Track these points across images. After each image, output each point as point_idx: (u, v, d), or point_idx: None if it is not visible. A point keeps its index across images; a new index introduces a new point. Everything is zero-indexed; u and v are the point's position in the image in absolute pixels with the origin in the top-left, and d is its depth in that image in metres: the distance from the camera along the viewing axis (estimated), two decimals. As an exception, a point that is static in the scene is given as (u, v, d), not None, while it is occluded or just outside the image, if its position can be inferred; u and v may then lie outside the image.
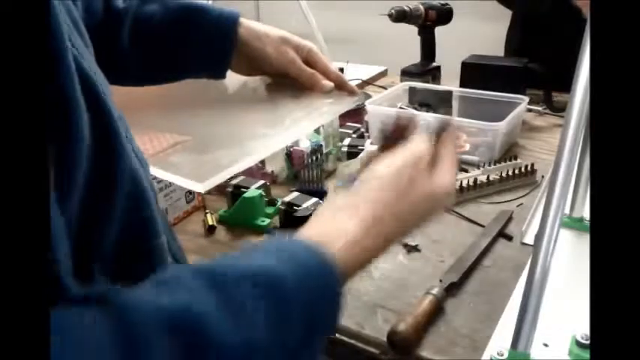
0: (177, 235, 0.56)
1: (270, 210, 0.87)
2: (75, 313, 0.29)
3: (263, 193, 0.87)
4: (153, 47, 0.68)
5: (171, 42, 0.67)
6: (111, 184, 0.38)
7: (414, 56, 1.40)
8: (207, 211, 0.88)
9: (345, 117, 1.12)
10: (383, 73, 1.62)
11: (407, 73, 1.35)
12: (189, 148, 0.58)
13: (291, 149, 0.96)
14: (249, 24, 0.68)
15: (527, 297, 0.49)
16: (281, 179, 0.99)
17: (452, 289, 0.69)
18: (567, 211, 0.79)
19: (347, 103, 0.71)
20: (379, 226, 0.43)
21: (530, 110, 1.23)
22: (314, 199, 0.85)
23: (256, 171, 0.95)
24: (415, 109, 1.16)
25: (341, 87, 0.71)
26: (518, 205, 0.90)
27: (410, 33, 1.39)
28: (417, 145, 0.47)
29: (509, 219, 0.85)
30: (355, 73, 1.50)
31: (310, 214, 0.79)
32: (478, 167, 0.97)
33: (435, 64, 1.40)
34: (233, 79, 0.72)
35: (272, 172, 0.98)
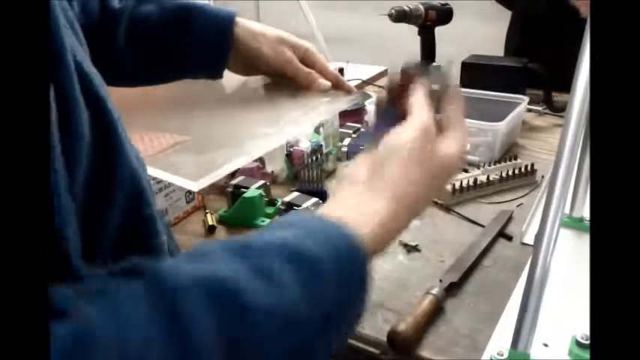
0: (175, 235, 0.57)
1: (270, 210, 0.87)
2: (111, 281, 0.29)
3: (263, 193, 0.87)
4: (149, 47, 0.68)
5: (168, 42, 0.67)
6: (111, 183, 0.38)
7: (413, 56, 1.40)
8: (207, 211, 0.88)
9: (345, 117, 1.12)
10: (383, 73, 1.62)
11: (407, 73, 1.35)
12: (188, 148, 0.58)
13: (291, 149, 0.96)
14: (245, 24, 0.68)
15: (527, 297, 0.49)
16: (281, 179, 0.99)
17: (452, 289, 0.69)
18: (567, 211, 0.79)
19: (344, 102, 0.71)
20: (403, 205, 0.43)
21: (530, 110, 1.23)
22: (314, 199, 0.85)
23: (256, 171, 0.95)
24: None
25: (338, 86, 0.71)
26: (518, 205, 0.90)
27: (410, 33, 1.39)
28: (420, 116, 0.46)
29: (509, 219, 0.85)
30: (355, 73, 1.50)
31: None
32: (478, 167, 0.97)
33: (435, 64, 1.40)
34: (231, 79, 0.72)
35: (272, 172, 0.98)
